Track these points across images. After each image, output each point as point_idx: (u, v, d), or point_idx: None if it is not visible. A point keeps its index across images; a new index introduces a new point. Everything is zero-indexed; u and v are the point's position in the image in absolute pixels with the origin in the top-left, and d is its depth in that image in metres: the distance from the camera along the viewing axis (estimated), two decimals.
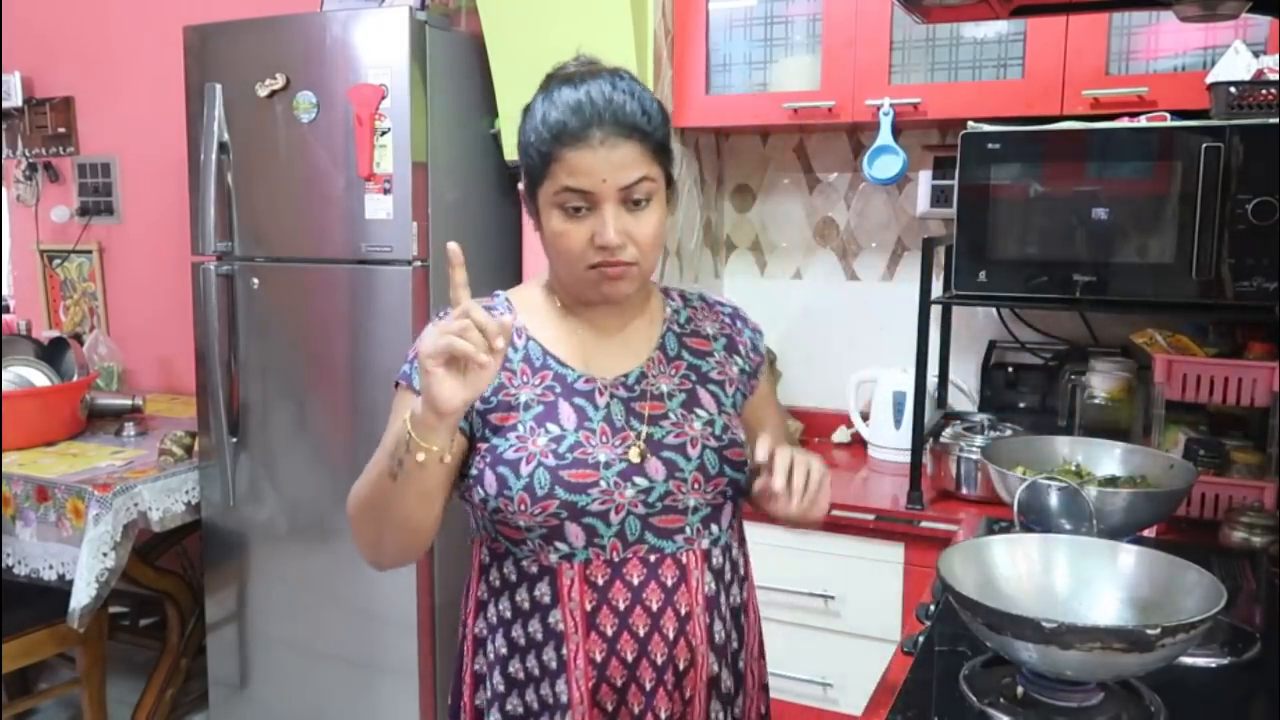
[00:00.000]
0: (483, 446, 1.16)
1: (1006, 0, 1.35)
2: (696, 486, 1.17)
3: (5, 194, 3.61)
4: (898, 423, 2.35)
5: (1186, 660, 1.20)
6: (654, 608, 1.15)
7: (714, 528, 1.20)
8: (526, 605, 1.17)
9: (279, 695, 2.63)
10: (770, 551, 2.01)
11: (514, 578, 1.18)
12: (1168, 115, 1.89)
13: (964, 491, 2.09)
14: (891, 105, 2.18)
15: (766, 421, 1.32)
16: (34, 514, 2.44)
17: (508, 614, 1.19)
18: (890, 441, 2.36)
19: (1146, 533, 1.62)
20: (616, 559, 1.15)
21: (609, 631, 1.15)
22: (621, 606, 1.15)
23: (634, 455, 1.16)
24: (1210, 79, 1.83)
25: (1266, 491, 1.79)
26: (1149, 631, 0.95)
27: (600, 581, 1.15)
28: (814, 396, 2.67)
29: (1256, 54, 1.83)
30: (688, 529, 1.17)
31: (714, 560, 1.20)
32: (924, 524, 2.01)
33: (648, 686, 1.15)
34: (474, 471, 1.16)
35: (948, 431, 2.17)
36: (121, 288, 3.51)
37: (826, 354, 2.65)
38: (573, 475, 1.13)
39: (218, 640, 2.69)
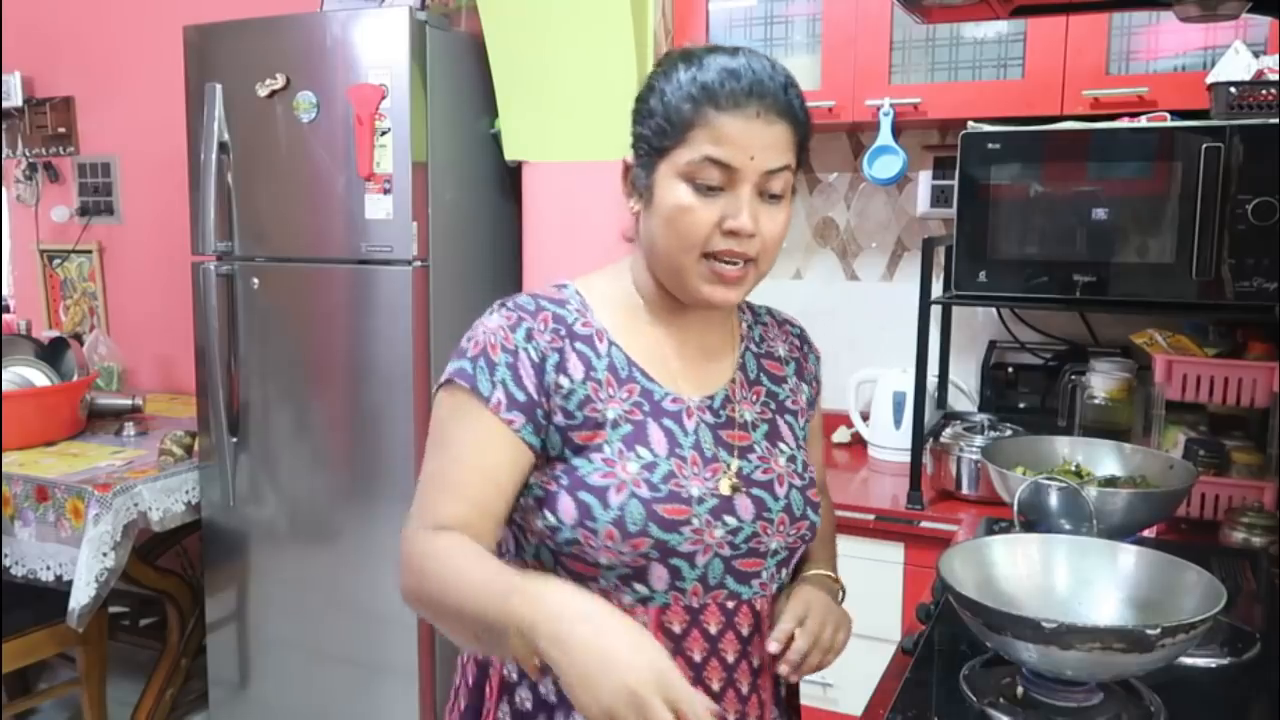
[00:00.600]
0: (559, 466, 1.01)
1: (1006, 0, 1.35)
2: (781, 528, 1.07)
3: (5, 194, 3.61)
4: (898, 423, 2.35)
5: (1186, 660, 1.20)
6: (730, 659, 1.06)
7: (784, 573, 1.11)
8: None
9: (279, 695, 2.62)
10: None
11: None
12: (1168, 115, 1.89)
13: (964, 491, 2.09)
14: (891, 105, 2.18)
15: (812, 458, 1.19)
16: (33, 514, 2.43)
17: None
18: (890, 441, 2.36)
19: (1146, 533, 1.62)
20: (696, 604, 1.03)
21: None
22: (698, 658, 1.04)
23: (725, 488, 1.04)
24: (1210, 79, 1.83)
25: (1266, 491, 1.79)
26: (1149, 631, 0.95)
27: (678, 630, 1.03)
28: None
29: (1256, 54, 1.83)
30: (764, 573, 1.08)
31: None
32: (924, 524, 2.01)
33: None
34: (539, 493, 1.02)
35: (948, 431, 2.17)
36: (121, 288, 3.51)
37: (826, 354, 2.60)
38: (667, 511, 1.00)
39: (218, 640, 2.69)
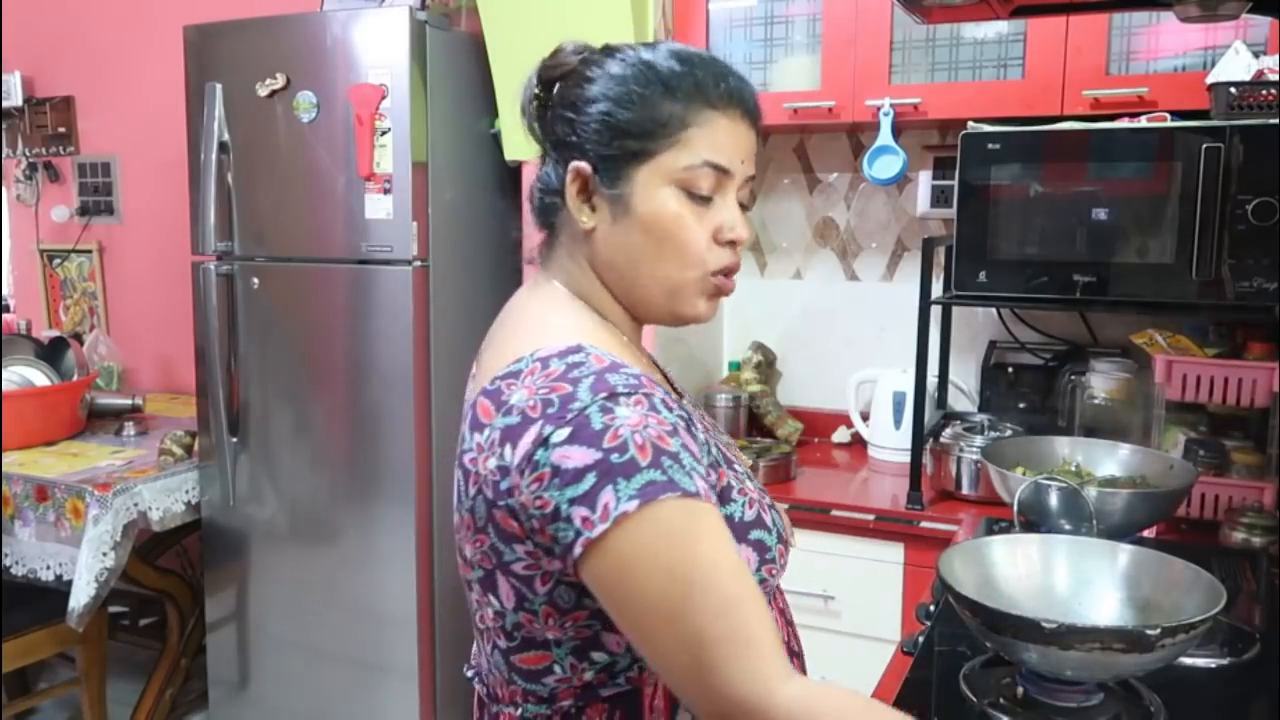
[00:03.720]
0: None
1: (1006, 0, 1.35)
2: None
3: (5, 194, 3.61)
4: (898, 423, 2.35)
5: (1186, 660, 1.20)
6: (795, 648, 1.05)
7: None
8: None
9: (279, 695, 2.62)
10: None
11: None
12: (1168, 115, 1.89)
13: (964, 491, 2.09)
14: (891, 105, 2.18)
15: None
16: (33, 514, 2.43)
17: None
18: (890, 442, 2.36)
19: (1146, 533, 1.62)
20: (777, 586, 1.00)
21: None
22: (795, 648, 1.03)
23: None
24: (1210, 79, 1.83)
25: (1266, 491, 1.79)
26: (1149, 632, 0.95)
27: (786, 617, 1.02)
28: (814, 396, 2.67)
29: (1256, 54, 1.83)
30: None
31: None
32: (924, 524, 2.01)
33: None
34: None
35: (948, 432, 2.17)
36: (121, 288, 3.51)
37: (826, 354, 2.65)
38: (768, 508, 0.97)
39: (218, 640, 2.69)
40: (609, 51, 0.94)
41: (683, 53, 0.92)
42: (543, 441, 0.80)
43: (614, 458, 0.78)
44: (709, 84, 0.90)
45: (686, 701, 0.80)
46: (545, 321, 0.93)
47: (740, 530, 0.89)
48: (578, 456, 0.79)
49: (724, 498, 0.89)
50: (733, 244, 0.93)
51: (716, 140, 0.90)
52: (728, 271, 0.94)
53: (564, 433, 0.80)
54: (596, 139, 0.91)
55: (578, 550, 0.79)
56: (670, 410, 0.84)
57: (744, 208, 0.94)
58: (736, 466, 0.96)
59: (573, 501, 0.78)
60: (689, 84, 0.89)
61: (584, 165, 0.91)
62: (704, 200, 0.91)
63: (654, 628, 0.78)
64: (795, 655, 1.05)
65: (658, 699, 0.91)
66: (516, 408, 0.83)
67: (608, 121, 0.90)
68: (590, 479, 0.78)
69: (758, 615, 0.78)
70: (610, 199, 0.91)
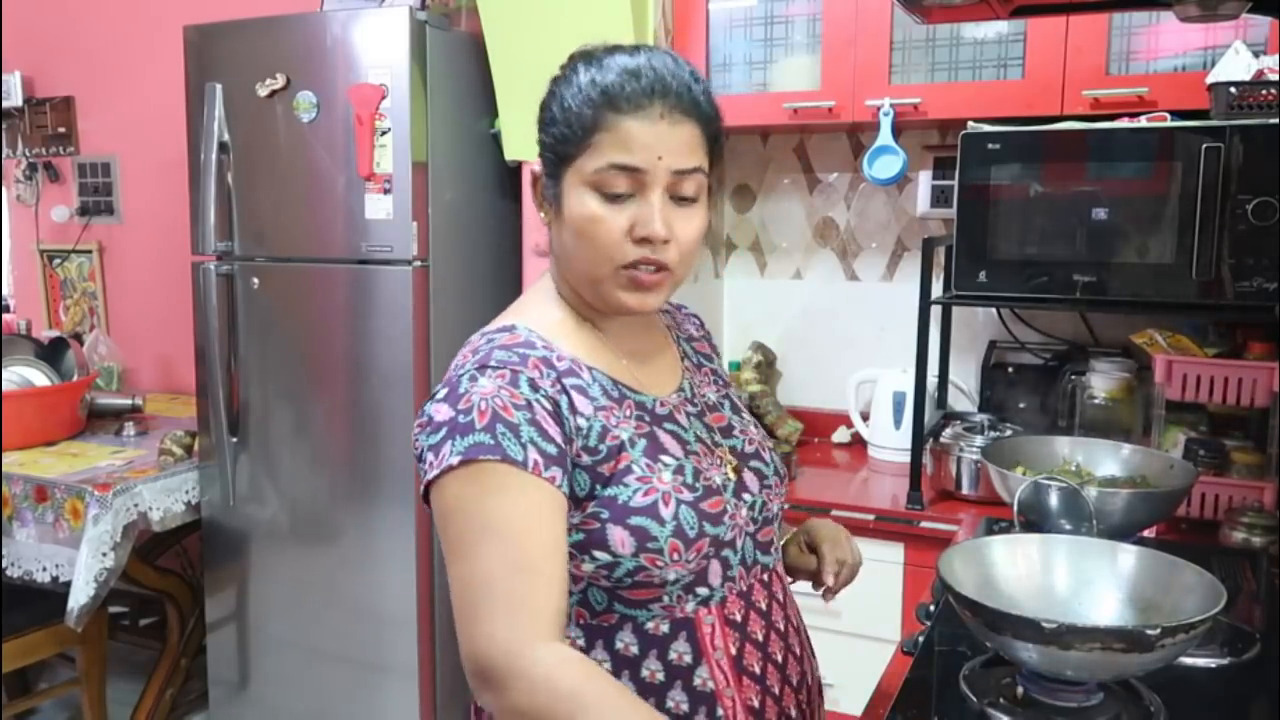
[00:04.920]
0: (591, 504, 0.96)
1: (1006, 0, 1.35)
2: (777, 491, 1.11)
3: (5, 194, 3.61)
4: (898, 423, 2.35)
5: (1186, 660, 1.20)
6: (781, 627, 1.07)
7: (781, 529, 1.15)
8: (661, 676, 0.98)
9: (279, 695, 2.62)
10: None
11: (635, 649, 0.98)
12: (1168, 115, 1.89)
13: (964, 491, 2.09)
14: (891, 105, 2.17)
15: None
16: (31, 514, 2.43)
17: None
18: (890, 441, 2.36)
19: (1146, 533, 1.62)
20: (745, 588, 1.03)
21: (757, 669, 1.02)
22: (760, 637, 1.04)
23: (731, 471, 1.06)
24: (1210, 79, 1.83)
25: (1266, 491, 1.79)
26: (1149, 632, 0.95)
27: (739, 617, 1.02)
28: (814, 396, 2.67)
29: (1256, 54, 1.83)
30: (775, 537, 1.11)
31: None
32: (924, 524, 2.01)
33: (793, 713, 1.06)
34: (579, 536, 0.95)
35: (948, 431, 2.17)
36: (121, 288, 3.51)
37: (826, 354, 2.65)
38: (709, 505, 1.00)
39: (218, 640, 2.69)
40: (575, 63, 1.01)
41: (628, 66, 0.97)
42: (431, 396, 0.98)
43: (460, 418, 0.92)
44: (618, 90, 0.95)
45: (459, 645, 0.89)
46: (517, 309, 1.09)
47: (621, 512, 0.95)
48: (440, 412, 0.94)
49: (613, 479, 0.96)
50: (647, 240, 0.96)
51: (624, 142, 0.95)
52: (644, 265, 0.98)
53: (442, 391, 0.96)
54: (540, 146, 1.03)
55: (423, 488, 0.95)
56: (536, 389, 0.95)
57: (686, 200, 0.98)
58: (665, 459, 1.00)
59: (428, 448, 0.94)
60: (597, 93, 0.96)
61: (536, 168, 1.04)
62: (622, 198, 0.96)
63: (450, 567, 0.91)
64: (772, 662, 1.04)
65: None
66: (451, 369, 1.00)
67: (543, 131, 1.02)
68: (442, 432, 0.93)
69: (537, 584, 0.88)
70: (552, 200, 1.02)
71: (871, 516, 2.04)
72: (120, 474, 2.45)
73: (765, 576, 1.07)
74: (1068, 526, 1.43)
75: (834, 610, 2.08)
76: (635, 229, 0.96)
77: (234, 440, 2.53)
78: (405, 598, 2.39)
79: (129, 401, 2.98)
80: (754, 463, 1.09)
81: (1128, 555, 1.17)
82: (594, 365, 1.02)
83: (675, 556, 0.95)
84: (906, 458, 2.10)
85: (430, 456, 0.92)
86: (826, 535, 1.23)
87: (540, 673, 0.84)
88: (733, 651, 1.00)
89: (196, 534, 2.69)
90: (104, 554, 2.32)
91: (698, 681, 0.98)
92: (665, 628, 0.98)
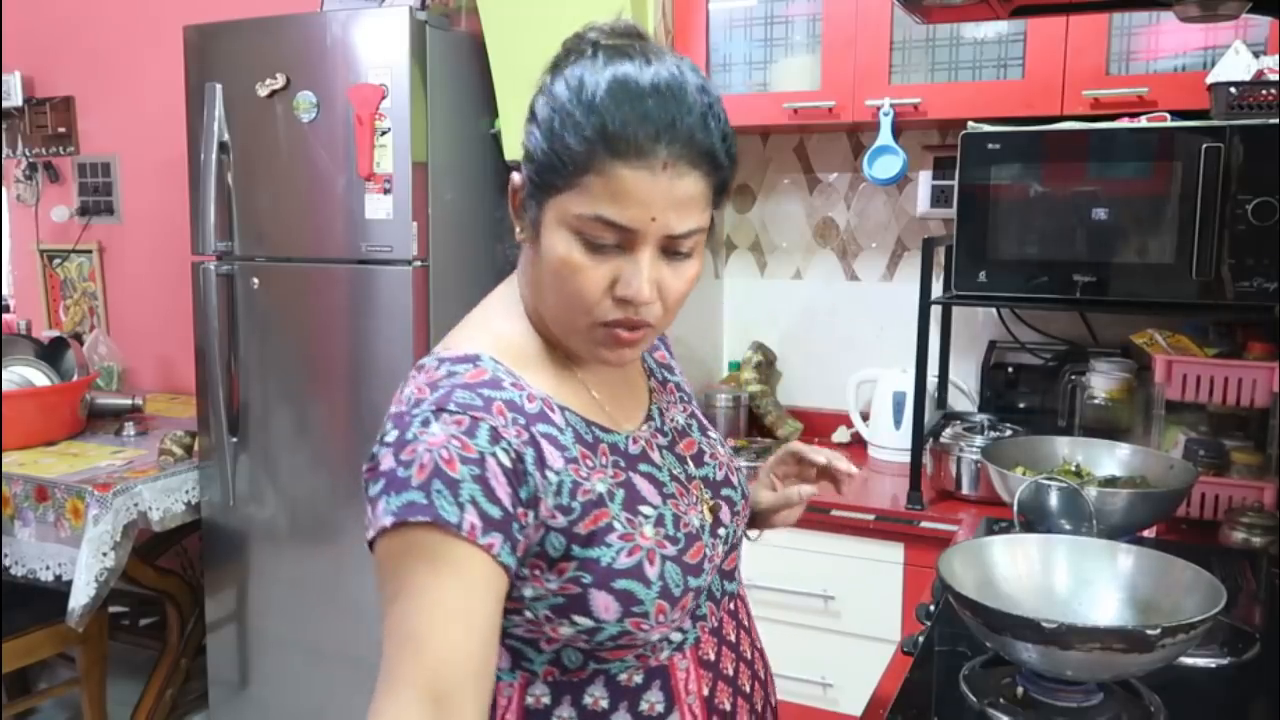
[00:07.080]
0: (571, 565, 0.86)
1: (1006, 0, 1.35)
2: (743, 514, 1.05)
3: (5, 194, 3.61)
4: (898, 423, 2.35)
5: (1186, 660, 1.20)
6: (748, 655, 1.02)
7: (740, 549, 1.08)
8: None
9: (279, 695, 2.62)
10: (770, 552, 2.01)
11: (605, 703, 0.91)
12: (1168, 115, 1.89)
13: (964, 491, 2.09)
14: (891, 105, 2.17)
15: None
16: (32, 514, 2.44)
17: None
18: (890, 441, 2.36)
19: (1146, 533, 1.62)
20: (715, 623, 0.98)
21: (727, 706, 0.97)
22: (731, 671, 0.98)
23: (708, 513, 0.98)
24: (1210, 79, 1.83)
25: (1266, 491, 1.79)
26: (1149, 632, 0.95)
27: (712, 656, 0.97)
28: (814, 396, 2.67)
29: (1256, 54, 1.83)
30: (738, 561, 1.05)
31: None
32: (924, 524, 2.01)
33: None
34: (559, 600, 0.86)
35: (948, 432, 2.17)
36: (121, 288, 3.51)
37: (826, 354, 2.65)
38: (691, 556, 0.92)
39: (218, 640, 2.69)
40: (569, 57, 0.87)
41: (625, 82, 0.82)
42: (380, 437, 0.85)
43: (399, 471, 0.81)
44: (620, 130, 0.80)
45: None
46: (482, 322, 0.96)
47: (604, 576, 0.86)
48: (385, 460, 0.82)
49: (592, 540, 0.86)
50: (628, 301, 0.85)
51: (616, 194, 0.81)
52: (616, 324, 0.87)
53: (392, 434, 0.84)
54: (524, 154, 0.88)
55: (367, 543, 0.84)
56: (497, 441, 0.82)
57: (681, 255, 0.86)
58: (645, 509, 0.91)
59: (368, 499, 0.83)
60: (595, 126, 0.81)
61: (519, 180, 0.90)
62: (607, 249, 0.84)
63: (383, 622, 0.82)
64: (740, 694, 1.00)
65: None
66: (402, 399, 0.87)
67: (530, 145, 0.87)
68: (380, 484, 0.82)
69: (424, 662, 0.77)
70: (531, 222, 0.88)
71: (871, 516, 2.04)
72: (120, 474, 2.45)
73: (732, 606, 1.02)
74: (1068, 526, 1.43)
75: (834, 610, 2.09)
76: (618, 287, 0.84)
77: (234, 440, 2.53)
78: None
79: (129, 401, 2.98)
80: (725, 490, 1.03)
81: (1128, 555, 1.17)
82: (566, 405, 0.92)
83: (661, 618, 0.88)
84: (906, 458, 2.10)
85: (369, 511, 0.83)
86: (794, 452, 1.16)
87: None
88: (705, 693, 0.95)
89: (196, 534, 2.69)
90: (104, 554, 2.32)
91: None
92: (639, 678, 0.92)
